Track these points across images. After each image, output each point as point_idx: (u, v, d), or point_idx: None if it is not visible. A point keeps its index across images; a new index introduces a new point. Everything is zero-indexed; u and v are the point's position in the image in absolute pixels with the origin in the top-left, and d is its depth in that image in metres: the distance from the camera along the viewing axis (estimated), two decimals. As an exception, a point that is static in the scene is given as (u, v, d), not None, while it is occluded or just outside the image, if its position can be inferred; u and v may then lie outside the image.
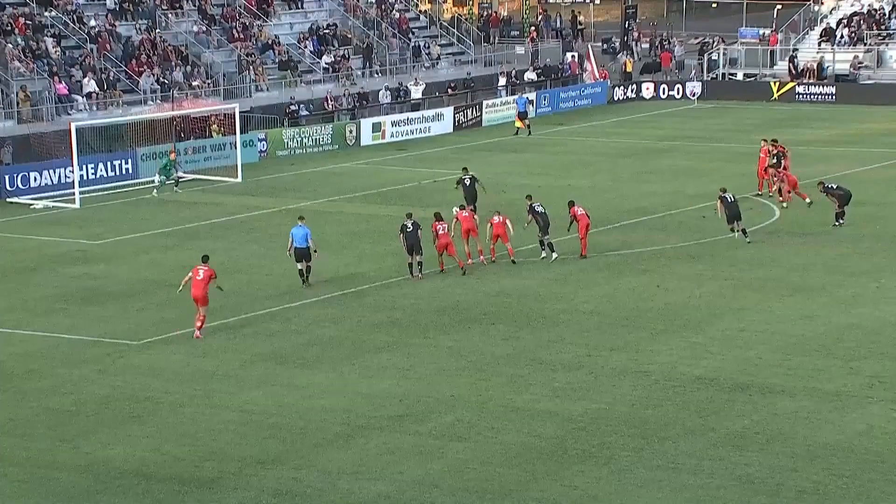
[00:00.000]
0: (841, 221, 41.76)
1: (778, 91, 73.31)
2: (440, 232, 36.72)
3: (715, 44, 79.42)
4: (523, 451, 24.14)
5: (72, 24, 60.30)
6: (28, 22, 58.73)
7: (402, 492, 22.44)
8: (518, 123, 63.49)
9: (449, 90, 69.48)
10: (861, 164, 53.70)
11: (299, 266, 35.59)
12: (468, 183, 43.52)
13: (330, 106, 63.77)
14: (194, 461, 23.82)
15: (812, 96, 72.72)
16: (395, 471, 23.29)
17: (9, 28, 57.78)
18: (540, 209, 38.43)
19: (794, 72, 74.06)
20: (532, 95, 69.34)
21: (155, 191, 49.20)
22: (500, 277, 36.78)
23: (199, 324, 31.41)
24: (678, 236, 41.20)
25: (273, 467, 23.50)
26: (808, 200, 43.53)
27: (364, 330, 32.01)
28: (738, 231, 39.59)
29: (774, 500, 22.07)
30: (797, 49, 75.72)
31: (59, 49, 58.46)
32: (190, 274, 31.86)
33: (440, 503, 22.06)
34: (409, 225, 36.38)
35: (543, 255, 38.44)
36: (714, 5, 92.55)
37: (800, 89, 72.92)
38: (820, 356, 29.56)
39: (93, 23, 61.24)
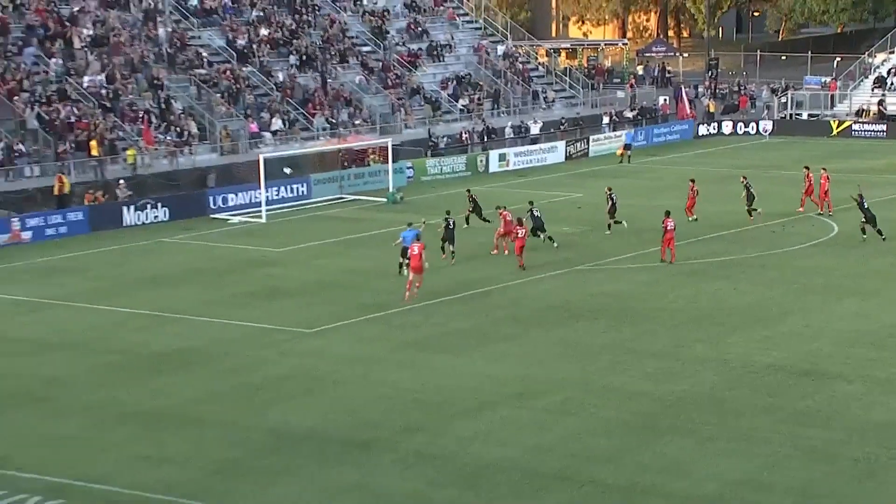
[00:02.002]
0: (883, 237, 40.55)
1: (837, 128, 71.77)
2: (520, 235, 37.72)
3: (784, 90, 78.14)
4: (621, 425, 23.89)
5: (262, 76, 61.25)
6: (230, 75, 59.76)
7: (521, 456, 22.34)
8: (619, 153, 63.14)
9: (561, 127, 69.18)
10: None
11: (401, 260, 36.18)
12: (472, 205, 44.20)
13: (464, 140, 63.91)
14: (354, 427, 23.96)
15: (866, 132, 71.02)
16: (516, 439, 23.19)
17: (215, 80, 58.88)
18: (537, 213, 40.13)
19: (884, 113, 72.09)
20: (632, 131, 68.79)
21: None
22: (601, 281, 36.48)
23: (415, 290, 33.55)
24: (752, 248, 40.49)
25: (416, 434, 23.54)
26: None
27: (490, 323, 31.93)
28: (545, 239, 40.09)
29: (832, 467, 21.66)
30: (885, 95, 73.61)
31: (252, 96, 59.41)
32: (408, 252, 34.04)
33: (553, 466, 21.90)
34: (451, 223, 38.69)
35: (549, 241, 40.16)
36: (783, 57, 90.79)
37: (855, 127, 71.30)
38: (873, 349, 28.84)
39: (279, 75, 62.14)
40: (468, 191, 45.28)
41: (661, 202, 48.35)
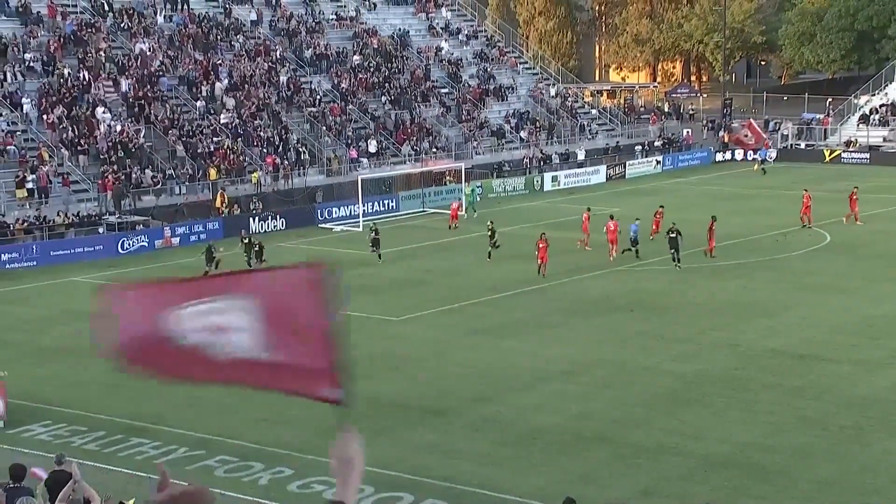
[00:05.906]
0: (679, 266, 36.35)
1: (829, 156, 70.35)
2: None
3: (784, 124, 76.84)
4: (650, 397, 23.72)
5: (360, 112, 61.57)
6: (335, 111, 60.15)
7: (568, 422, 22.28)
8: (756, 167, 63.01)
9: (603, 153, 68.63)
10: (885, 206, 51.14)
11: (634, 247, 37.79)
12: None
13: (524, 164, 63.68)
14: (432, 397, 24.00)
15: (853, 159, 69.51)
16: (564, 408, 23.13)
17: (324, 116, 59.30)
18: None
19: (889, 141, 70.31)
20: (766, 149, 67.94)
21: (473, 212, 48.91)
22: (635, 280, 36.16)
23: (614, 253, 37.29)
24: (759, 254, 39.88)
25: (483, 403, 23.55)
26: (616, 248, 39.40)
27: (544, 314, 31.81)
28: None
29: (824, 432, 21.41)
30: (893, 129, 71.78)
31: (352, 128, 59.75)
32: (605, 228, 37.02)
33: (594, 429, 21.81)
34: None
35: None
36: (785, 98, 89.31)
37: (844, 155, 69.75)
38: (856, 336, 28.34)
39: (377, 111, 62.42)
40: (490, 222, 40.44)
41: (685, 215, 47.98)
